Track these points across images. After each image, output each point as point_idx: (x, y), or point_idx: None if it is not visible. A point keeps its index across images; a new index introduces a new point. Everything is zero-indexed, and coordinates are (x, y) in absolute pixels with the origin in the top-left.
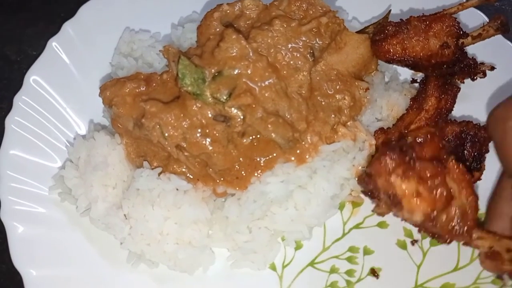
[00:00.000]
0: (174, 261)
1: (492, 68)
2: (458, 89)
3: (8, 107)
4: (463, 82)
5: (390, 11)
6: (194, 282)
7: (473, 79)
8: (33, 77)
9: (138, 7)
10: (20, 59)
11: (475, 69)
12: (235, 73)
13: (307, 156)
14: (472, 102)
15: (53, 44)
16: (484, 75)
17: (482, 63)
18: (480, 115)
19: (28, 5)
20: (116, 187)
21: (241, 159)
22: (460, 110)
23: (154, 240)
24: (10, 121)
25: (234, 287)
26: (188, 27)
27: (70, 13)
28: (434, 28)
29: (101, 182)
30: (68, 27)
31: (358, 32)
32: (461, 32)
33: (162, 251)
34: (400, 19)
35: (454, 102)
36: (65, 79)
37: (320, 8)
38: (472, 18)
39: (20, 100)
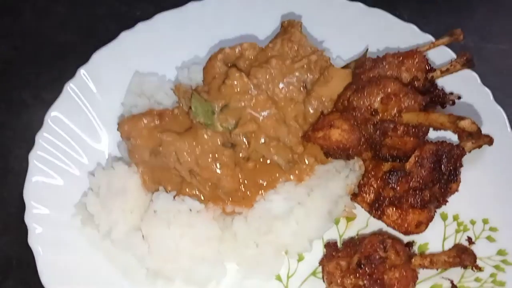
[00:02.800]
0: (189, 276)
1: (459, 98)
2: None
3: (28, 146)
4: (436, 109)
5: (367, 49)
6: None
7: (443, 107)
8: (53, 115)
9: (145, 53)
10: (35, 103)
11: (444, 99)
12: (240, 105)
13: (305, 176)
14: None
15: (69, 86)
16: (453, 103)
17: (451, 93)
18: (452, 136)
19: (44, 54)
20: (134, 211)
21: (246, 181)
22: (435, 133)
23: (171, 257)
24: (33, 157)
25: None
26: (193, 69)
27: (83, 60)
28: (406, 63)
29: (120, 207)
30: (82, 71)
31: (342, 67)
32: (429, 68)
33: (178, 267)
34: (377, 56)
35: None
36: (81, 117)
37: (309, 49)
38: (442, 54)
39: (41, 137)
